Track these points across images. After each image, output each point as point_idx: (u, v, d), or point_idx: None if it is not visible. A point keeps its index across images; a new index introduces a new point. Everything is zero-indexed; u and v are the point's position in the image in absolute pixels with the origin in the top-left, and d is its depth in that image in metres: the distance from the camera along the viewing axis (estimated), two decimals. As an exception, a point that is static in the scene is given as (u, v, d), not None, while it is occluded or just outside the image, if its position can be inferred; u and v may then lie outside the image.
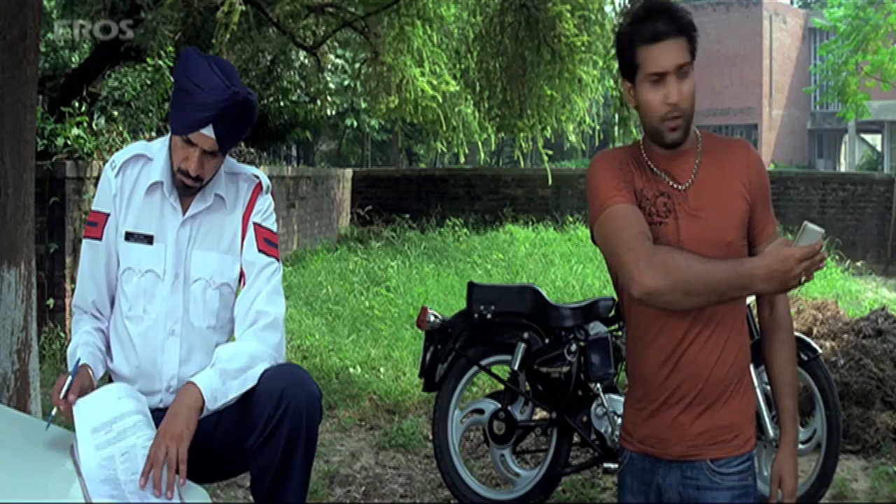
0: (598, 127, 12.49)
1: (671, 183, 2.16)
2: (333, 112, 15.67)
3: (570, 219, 14.52)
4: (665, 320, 2.14)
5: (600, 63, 9.84)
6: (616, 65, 9.73)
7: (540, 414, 4.39)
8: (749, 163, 2.18)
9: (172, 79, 2.52)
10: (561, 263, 10.53)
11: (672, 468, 2.16)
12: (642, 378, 2.20)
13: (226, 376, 2.32)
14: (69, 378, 2.27)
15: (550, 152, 12.29)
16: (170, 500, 2.08)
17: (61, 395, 2.22)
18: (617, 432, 3.94)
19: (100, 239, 2.53)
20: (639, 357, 2.21)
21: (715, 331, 2.12)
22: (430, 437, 4.48)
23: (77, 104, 7.12)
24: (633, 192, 2.13)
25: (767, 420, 3.88)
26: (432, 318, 4.21)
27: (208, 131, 2.38)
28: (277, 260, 2.56)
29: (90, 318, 2.58)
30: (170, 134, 2.52)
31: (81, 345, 2.48)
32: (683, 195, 2.15)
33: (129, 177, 2.53)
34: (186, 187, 2.48)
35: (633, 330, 2.22)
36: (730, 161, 2.18)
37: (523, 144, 11.39)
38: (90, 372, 2.36)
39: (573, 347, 4.01)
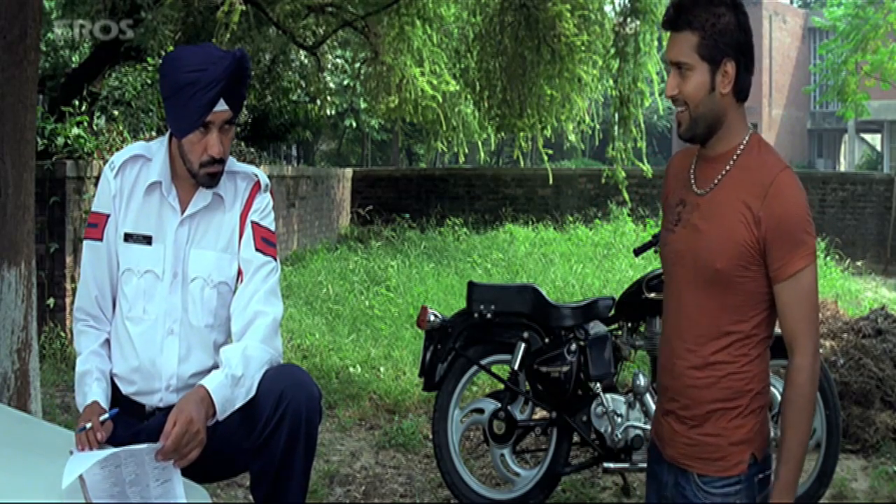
0: (597, 126, 12.49)
1: (694, 187, 2.13)
2: (333, 112, 15.66)
3: (570, 218, 14.53)
4: (667, 326, 2.17)
5: (600, 62, 9.84)
6: (615, 64, 9.69)
7: (540, 413, 4.39)
8: (769, 194, 1.99)
9: (161, 89, 2.53)
10: (561, 263, 10.53)
11: (670, 470, 2.17)
12: (659, 372, 2.23)
13: (235, 383, 2.31)
14: (106, 415, 2.29)
15: (550, 152, 12.30)
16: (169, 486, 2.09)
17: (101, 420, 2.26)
18: (617, 432, 3.95)
19: (100, 240, 2.53)
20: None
21: (709, 355, 2.08)
22: (430, 436, 4.48)
23: (77, 104, 7.12)
24: (665, 214, 2.23)
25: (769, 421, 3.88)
26: (432, 318, 4.21)
27: (220, 105, 2.41)
28: (275, 259, 2.56)
29: (93, 328, 2.55)
30: (168, 136, 2.52)
31: (94, 371, 2.46)
32: (697, 202, 2.10)
33: (128, 177, 2.53)
34: (212, 176, 2.48)
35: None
36: (750, 183, 2.03)
37: (523, 144, 11.40)
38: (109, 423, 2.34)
39: (573, 347, 4.01)
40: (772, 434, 3.84)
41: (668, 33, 2.10)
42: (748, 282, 2.03)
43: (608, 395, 3.99)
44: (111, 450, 2.04)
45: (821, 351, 4.11)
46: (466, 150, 13.17)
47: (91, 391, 2.41)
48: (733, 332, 2.06)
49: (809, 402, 2.03)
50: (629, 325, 4.13)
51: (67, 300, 6.31)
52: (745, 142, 2.08)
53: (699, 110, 2.05)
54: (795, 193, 2.02)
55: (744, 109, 2.10)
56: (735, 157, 2.07)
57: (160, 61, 7.98)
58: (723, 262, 2.03)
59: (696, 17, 2.02)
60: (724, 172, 2.08)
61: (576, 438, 4.17)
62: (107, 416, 2.29)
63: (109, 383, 2.48)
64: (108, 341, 2.56)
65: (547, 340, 4.10)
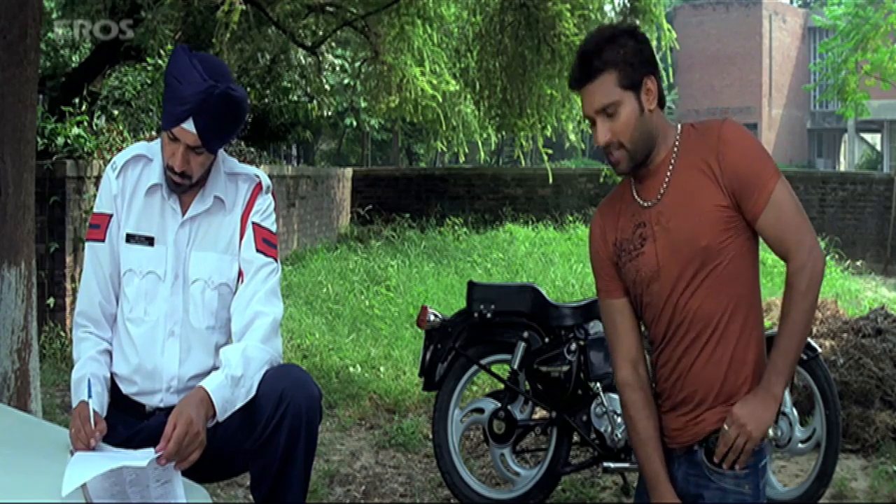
0: (597, 126, 12.46)
1: (643, 203, 2.16)
2: (331, 112, 15.65)
3: (570, 218, 14.52)
4: (672, 331, 2.17)
5: (600, 62, 9.82)
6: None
7: (540, 413, 4.39)
8: (719, 141, 2.07)
9: None
10: (561, 263, 10.53)
11: (679, 463, 2.17)
12: (658, 379, 2.24)
13: (235, 384, 2.31)
14: (89, 413, 2.26)
15: (550, 151, 12.29)
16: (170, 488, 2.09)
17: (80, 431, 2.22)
18: (617, 431, 3.95)
19: (103, 241, 2.53)
20: (655, 359, 2.26)
21: (720, 343, 2.10)
22: (430, 436, 4.48)
23: (77, 103, 7.13)
24: (613, 265, 2.23)
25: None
26: (432, 318, 4.21)
27: (189, 125, 2.37)
28: (276, 260, 2.56)
29: (94, 335, 2.54)
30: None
31: (90, 375, 2.43)
32: (658, 211, 2.13)
33: (130, 178, 2.53)
34: (177, 185, 2.48)
35: (651, 335, 2.27)
36: (700, 152, 2.10)
37: (523, 143, 11.39)
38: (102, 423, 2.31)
39: (573, 347, 4.01)
40: (770, 433, 3.88)
41: (580, 91, 2.13)
42: (735, 242, 2.08)
43: (608, 395, 3.99)
44: (113, 462, 2.02)
45: (820, 350, 4.12)
46: (466, 150, 13.16)
47: (84, 397, 2.39)
48: (732, 299, 2.09)
49: (811, 298, 2.04)
50: (629, 324, 4.13)
51: (67, 300, 6.31)
52: (677, 136, 2.15)
53: (635, 138, 2.10)
54: (741, 136, 2.09)
55: (663, 113, 2.17)
56: (675, 150, 2.13)
57: (160, 61, 8.03)
58: (707, 237, 2.07)
59: (608, 57, 2.07)
60: (669, 171, 2.13)
61: (576, 438, 4.17)
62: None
63: (105, 387, 2.46)
64: (108, 351, 2.54)
65: (547, 340, 4.10)
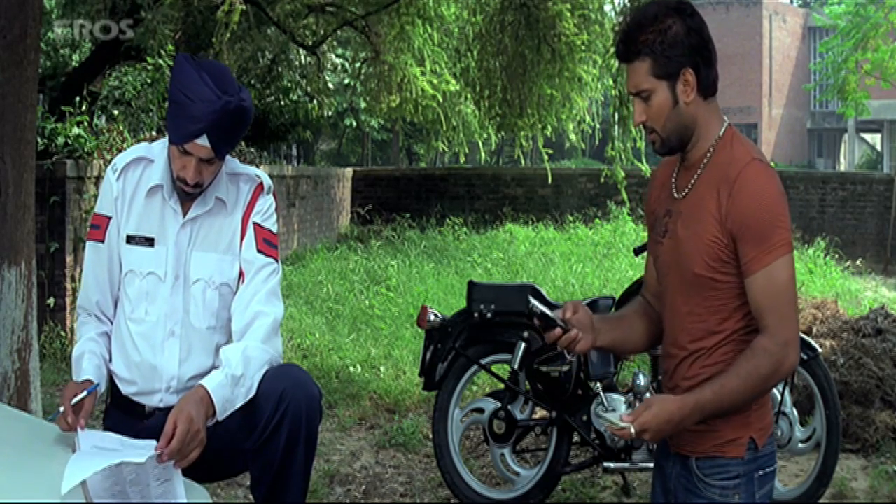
0: (597, 126, 12.51)
1: (675, 194, 2.13)
2: (331, 112, 15.67)
3: (570, 218, 14.51)
4: (665, 336, 2.18)
5: (600, 62, 9.85)
6: (615, 64, 9.69)
7: (540, 413, 4.39)
8: (734, 189, 1.98)
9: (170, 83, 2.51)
10: (561, 263, 10.53)
11: (675, 461, 2.17)
12: (662, 382, 2.24)
13: (235, 383, 2.31)
14: (83, 393, 2.27)
15: (550, 151, 12.30)
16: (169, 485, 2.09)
17: (72, 404, 2.23)
18: (617, 431, 3.95)
19: (102, 241, 2.54)
20: (661, 362, 2.26)
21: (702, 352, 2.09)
22: (430, 436, 4.49)
23: (77, 103, 7.13)
24: (652, 226, 2.22)
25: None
26: (432, 318, 4.21)
27: (203, 141, 2.38)
28: (276, 261, 2.56)
29: (95, 320, 2.57)
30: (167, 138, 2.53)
31: (87, 353, 2.47)
32: (679, 210, 2.10)
33: (131, 180, 2.53)
34: (188, 194, 2.49)
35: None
36: (719, 180, 2.02)
37: (523, 143, 11.40)
38: (95, 392, 2.35)
39: (573, 346, 4.01)
40: (778, 433, 3.88)
41: (625, 66, 2.11)
42: (730, 280, 2.02)
43: (608, 395, 3.99)
44: (113, 458, 2.03)
45: (820, 350, 4.11)
46: (467, 150, 13.19)
47: (82, 371, 2.41)
48: (721, 332, 2.05)
49: (763, 386, 1.98)
50: (629, 324, 4.13)
51: (67, 300, 6.31)
52: (718, 137, 2.08)
53: (667, 127, 2.06)
54: (762, 186, 1.99)
55: (716, 104, 2.09)
56: (707, 156, 2.08)
57: (160, 61, 8.04)
58: (700, 267, 2.03)
59: (645, 41, 2.01)
60: (697, 174, 2.08)
61: (576, 438, 4.17)
62: (83, 394, 2.27)
63: (103, 362, 2.49)
64: (106, 333, 2.56)
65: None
